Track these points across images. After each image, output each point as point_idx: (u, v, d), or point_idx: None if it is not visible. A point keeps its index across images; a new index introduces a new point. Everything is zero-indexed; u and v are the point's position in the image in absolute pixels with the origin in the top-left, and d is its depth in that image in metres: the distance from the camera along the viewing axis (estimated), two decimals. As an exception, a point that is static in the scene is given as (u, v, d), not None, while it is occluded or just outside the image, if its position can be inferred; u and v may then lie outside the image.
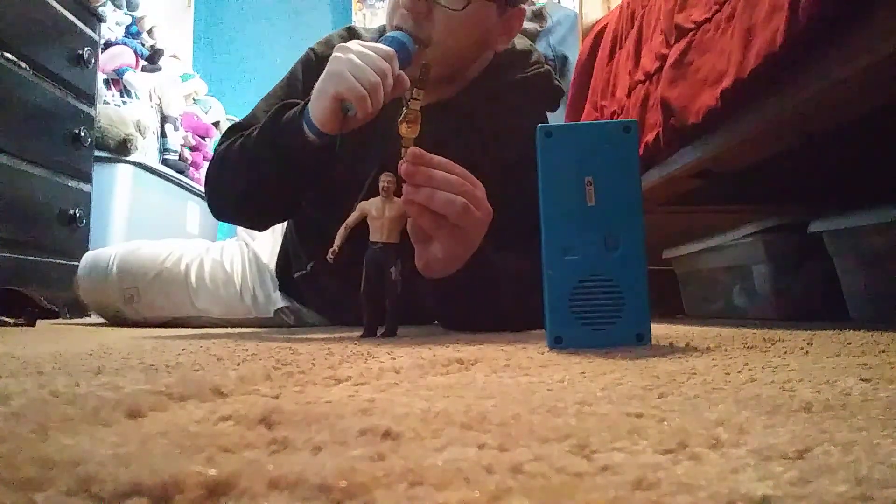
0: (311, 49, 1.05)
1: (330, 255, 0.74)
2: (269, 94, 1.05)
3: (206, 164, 3.15)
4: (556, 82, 1.04)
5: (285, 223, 1.22)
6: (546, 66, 1.03)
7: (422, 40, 0.84)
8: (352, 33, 1.04)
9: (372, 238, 0.74)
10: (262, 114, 0.96)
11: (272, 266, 1.23)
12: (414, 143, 0.70)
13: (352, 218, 0.76)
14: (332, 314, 1.19)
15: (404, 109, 0.71)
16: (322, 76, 0.78)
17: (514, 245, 0.84)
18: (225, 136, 1.00)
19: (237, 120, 1.07)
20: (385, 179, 0.73)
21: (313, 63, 1.02)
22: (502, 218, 0.76)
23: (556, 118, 1.79)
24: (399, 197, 0.73)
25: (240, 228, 1.37)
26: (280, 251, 1.22)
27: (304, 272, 1.09)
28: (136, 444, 0.20)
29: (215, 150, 1.00)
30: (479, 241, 0.75)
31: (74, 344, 0.69)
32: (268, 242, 1.26)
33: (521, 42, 1.05)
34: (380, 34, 1.03)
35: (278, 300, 1.21)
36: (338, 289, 1.06)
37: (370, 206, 0.75)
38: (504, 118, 0.97)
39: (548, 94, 1.04)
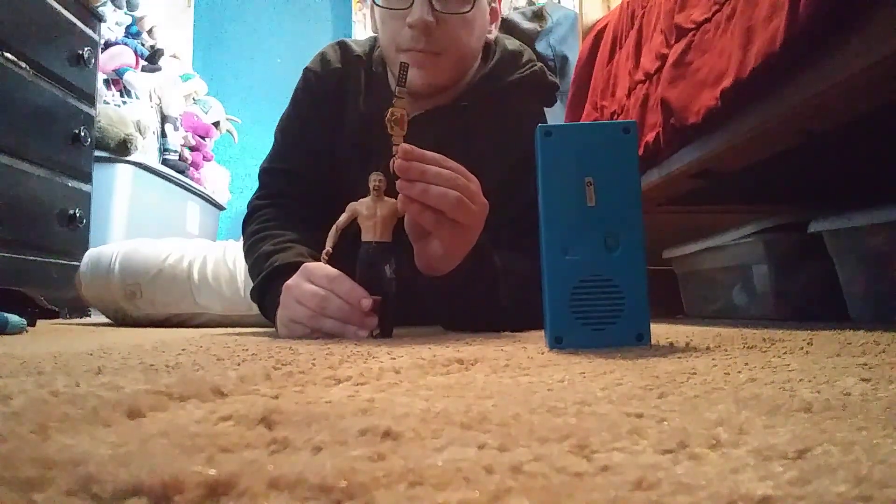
0: (308, 69, 1.05)
1: (324, 257, 0.75)
2: (283, 126, 1.06)
3: (207, 165, 3.15)
4: (550, 77, 1.05)
5: None
6: (538, 64, 1.04)
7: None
8: (343, 47, 1.05)
9: (364, 238, 0.75)
10: (284, 149, 1.03)
11: None
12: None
13: (342, 219, 0.76)
14: None
15: (390, 109, 0.71)
16: (283, 315, 0.76)
17: (515, 245, 0.84)
18: (259, 183, 1.04)
19: (262, 159, 1.08)
20: (376, 179, 0.74)
21: (313, 83, 1.03)
22: (505, 218, 0.76)
23: (556, 118, 1.79)
24: (389, 196, 0.73)
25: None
26: None
27: None
28: (136, 444, 0.20)
29: (249, 204, 1.02)
30: (478, 234, 0.75)
31: (74, 344, 0.69)
32: None
33: (510, 42, 1.05)
34: (371, 47, 1.03)
35: None
36: None
37: (360, 206, 0.75)
38: (506, 120, 0.98)
39: (544, 90, 1.06)
